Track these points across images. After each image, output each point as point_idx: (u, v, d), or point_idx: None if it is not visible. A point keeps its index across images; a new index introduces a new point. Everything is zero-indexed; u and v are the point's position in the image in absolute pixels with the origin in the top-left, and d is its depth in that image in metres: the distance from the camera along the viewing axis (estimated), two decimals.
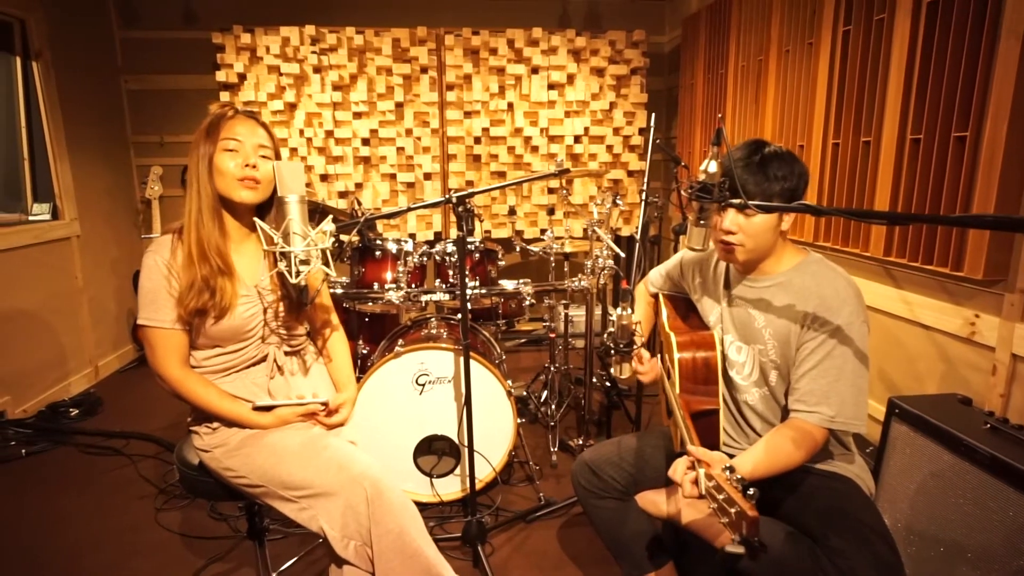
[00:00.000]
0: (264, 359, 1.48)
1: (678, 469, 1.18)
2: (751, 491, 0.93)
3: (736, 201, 1.23)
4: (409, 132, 3.89)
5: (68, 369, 3.30)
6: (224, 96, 3.73)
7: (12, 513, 2.22)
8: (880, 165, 2.09)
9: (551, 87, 3.90)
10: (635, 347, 1.46)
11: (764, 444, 1.28)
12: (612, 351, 1.45)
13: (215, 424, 1.41)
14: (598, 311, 2.75)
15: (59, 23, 3.27)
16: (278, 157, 1.45)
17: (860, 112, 2.19)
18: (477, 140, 3.94)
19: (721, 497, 0.95)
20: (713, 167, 1.19)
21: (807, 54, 2.49)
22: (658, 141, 2.31)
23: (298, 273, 1.30)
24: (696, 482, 1.09)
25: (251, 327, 1.43)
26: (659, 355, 1.72)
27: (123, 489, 2.36)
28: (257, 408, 1.40)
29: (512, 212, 2.94)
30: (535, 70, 3.87)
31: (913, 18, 1.93)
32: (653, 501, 1.53)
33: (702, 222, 1.25)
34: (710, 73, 3.39)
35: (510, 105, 3.90)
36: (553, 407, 2.75)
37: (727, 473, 0.99)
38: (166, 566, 1.91)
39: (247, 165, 1.37)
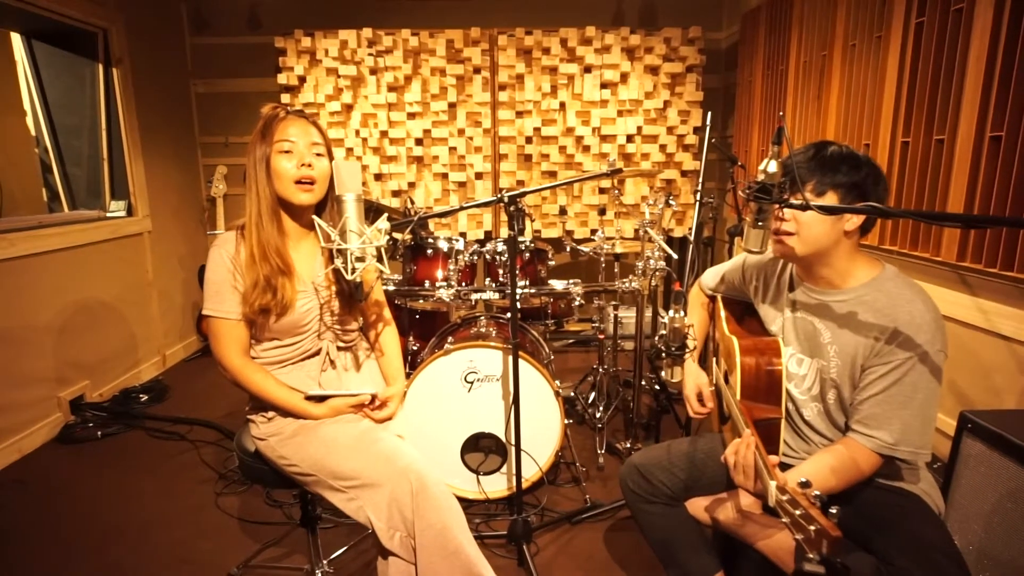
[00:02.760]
0: (318, 353, 1.52)
1: (730, 456, 1.19)
2: (833, 509, 0.89)
3: (796, 202, 1.18)
4: (461, 132, 3.94)
5: (139, 357, 3.50)
6: (285, 98, 3.87)
7: (90, 490, 2.37)
8: (955, 164, 1.98)
9: (604, 86, 3.86)
10: (688, 351, 1.43)
11: (819, 467, 1.24)
12: (663, 354, 1.42)
13: (271, 413, 1.47)
14: (648, 313, 2.71)
15: (137, 32, 3.47)
16: (331, 154, 1.48)
17: (933, 108, 2.08)
18: (528, 140, 3.94)
19: (797, 512, 0.91)
20: (773, 167, 1.14)
21: (875, 48, 2.38)
22: (714, 140, 2.25)
23: (354, 270, 1.33)
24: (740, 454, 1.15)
25: (307, 321, 1.47)
26: (713, 359, 1.68)
27: (187, 473, 2.48)
28: (309, 398, 1.45)
29: (563, 212, 2.93)
30: (588, 69, 3.85)
31: (996, 7, 1.81)
32: (704, 508, 1.49)
33: (760, 224, 1.21)
34: (769, 70, 3.28)
35: (562, 104, 3.89)
36: (601, 409, 2.72)
37: (803, 488, 0.95)
38: (225, 548, 1.99)
39: (303, 165, 1.41)
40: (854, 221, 1.26)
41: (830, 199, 1.25)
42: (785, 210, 1.27)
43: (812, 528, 0.87)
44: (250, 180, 1.44)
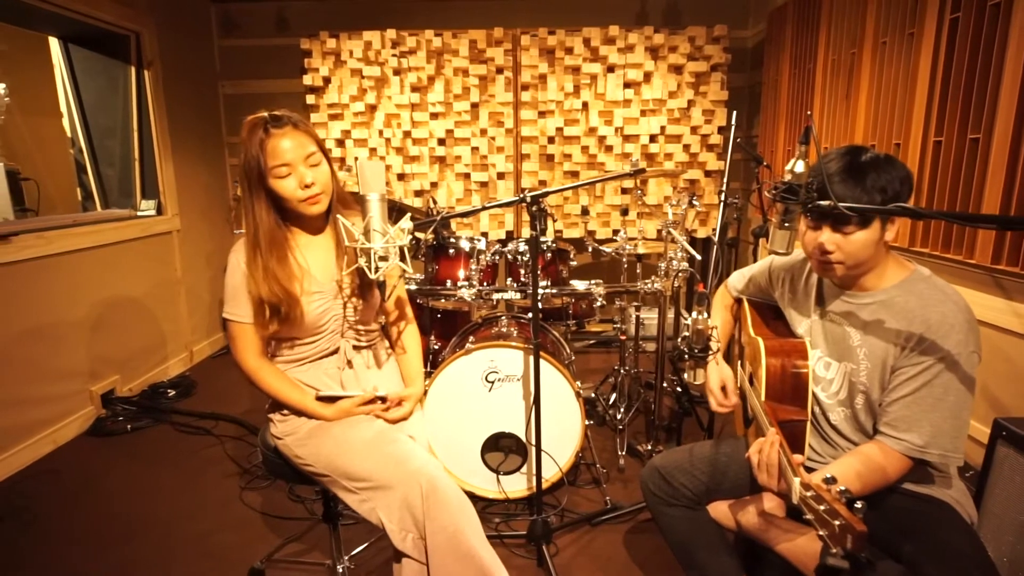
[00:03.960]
0: (337, 351, 1.53)
1: (754, 454, 1.18)
2: (859, 504, 0.88)
3: (824, 203, 1.15)
4: (484, 132, 3.95)
5: (167, 353, 3.58)
6: (310, 99, 3.92)
7: (120, 482, 2.43)
8: (990, 164, 1.92)
9: (627, 85, 3.84)
10: (711, 352, 1.41)
11: (844, 471, 1.22)
12: (687, 356, 1.41)
13: (287, 412, 1.48)
14: (671, 314, 2.68)
15: (167, 35, 3.54)
16: (325, 152, 1.45)
17: (968, 107, 2.02)
18: (551, 140, 3.94)
19: (822, 508, 0.90)
20: (800, 167, 1.12)
21: (907, 45, 2.32)
22: (739, 140, 2.22)
23: (377, 269, 1.34)
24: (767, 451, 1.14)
25: (324, 322, 1.48)
26: (737, 361, 1.66)
27: (212, 467, 2.53)
28: (320, 399, 1.46)
29: (585, 212, 2.92)
30: (611, 68, 3.83)
31: None
32: (727, 512, 1.47)
33: (786, 224, 1.18)
34: (796, 68, 3.23)
35: (585, 104, 3.87)
36: (622, 410, 2.70)
37: (828, 484, 0.93)
38: (249, 542, 2.02)
39: (304, 185, 1.37)
40: (893, 230, 1.23)
41: (875, 223, 1.20)
42: (828, 240, 1.23)
43: (837, 523, 0.86)
44: (246, 202, 1.40)
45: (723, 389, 1.52)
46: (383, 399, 1.49)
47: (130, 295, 3.26)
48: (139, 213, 3.47)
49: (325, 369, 1.52)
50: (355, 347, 1.56)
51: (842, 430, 1.35)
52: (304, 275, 1.45)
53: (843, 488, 0.91)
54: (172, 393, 3.24)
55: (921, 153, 2.24)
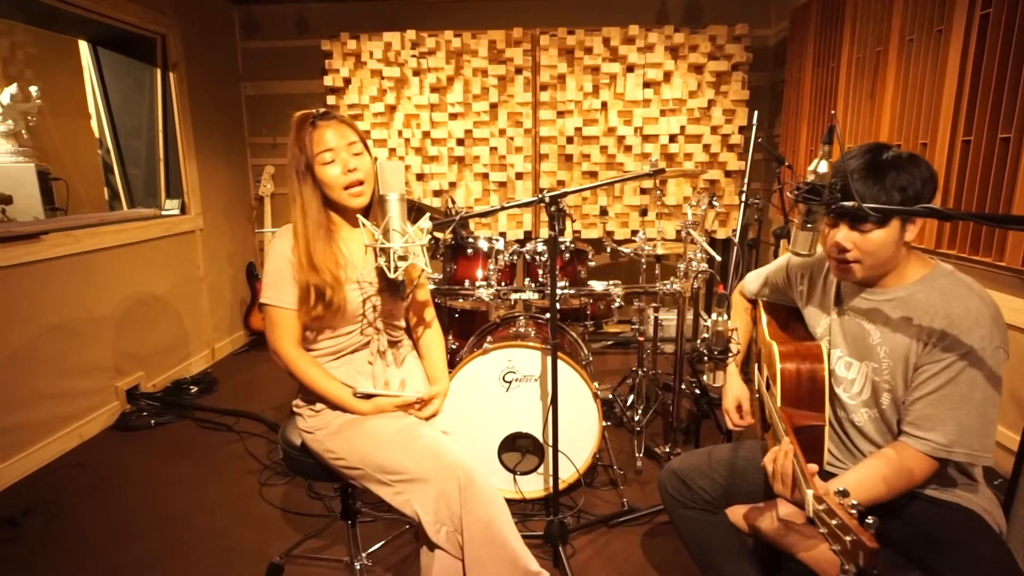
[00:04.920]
0: (367, 346, 1.56)
1: (769, 463, 1.16)
2: (870, 519, 0.86)
3: (848, 204, 1.13)
4: (502, 132, 3.95)
5: (189, 350, 3.64)
6: (330, 99, 3.96)
7: (144, 476, 2.48)
8: (1021, 164, 1.88)
9: (647, 85, 3.81)
10: (731, 354, 1.39)
11: (865, 474, 1.19)
12: (706, 358, 1.40)
13: (319, 407, 1.50)
14: (690, 316, 2.66)
15: (192, 37, 3.60)
16: (367, 148, 1.50)
17: (999, 105, 1.98)
18: (569, 140, 3.93)
19: (834, 523, 0.88)
20: (823, 167, 1.10)
21: (935, 43, 2.27)
22: (760, 140, 2.19)
23: (396, 268, 1.35)
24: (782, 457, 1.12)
25: (360, 313, 1.51)
26: (755, 365, 1.64)
27: (233, 463, 2.56)
28: (358, 395, 1.48)
29: (604, 212, 2.90)
30: (630, 68, 3.80)
31: None
32: (745, 516, 1.46)
33: (808, 225, 1.16)
34: (820, 67, 3.18)
35: (604, 104, 3.86)
36: (639, 412, 2.69)
37: (840, 497, 0.92)
38: (268, 537, 2.05)
39: (348, 170, 1.43)
40: (913, 231, 1.21)
41: (894, 222, 1.18)
42: (845, 238, 1.21)
43: (848, 539, 0.85)
44: (294, 192, 1.46)
45: (738, 408, 1.52)
46: (420, 400, 1.51)
47: (154, 293, 3.32)
48: (163, 212, 3.54)
49: (356, 365, 1.55)
50: (386, 342, 1.58)
51: (867, 432, 1.32)
52: (347, 263, 1.49)
53: (855, 502, 0.89)
54: (194, 390, 3.29)
55: (949, 153, 2.19)
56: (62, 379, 2.70)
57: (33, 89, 3.09)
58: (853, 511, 0.88)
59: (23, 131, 3.03)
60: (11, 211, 2.78)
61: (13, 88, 2.99)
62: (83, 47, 3.37)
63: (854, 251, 1.21)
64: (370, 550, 1.93)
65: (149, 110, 3.47)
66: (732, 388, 1.53)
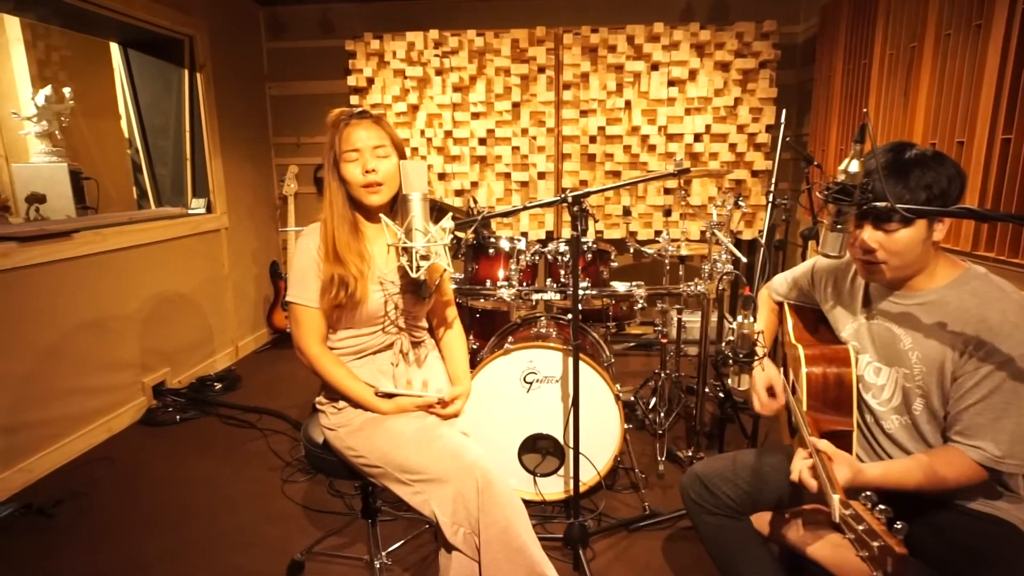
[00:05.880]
0: (390, 347, 1.56)
1: (796, 466, 1.13)
2: (898, 525, 0.83)
3: (880, 204, 1.10)
4: (525, 132, 3.93)
5: (214, 347, 3.69)
6: (354, 99, 3.98)
7: (169, 471, 2.52)
8: None
9: (671, 84, 3.77)
10: (757, 358, 1.36)
11: (905, 459, 1.17)
12: (731, 361, 1.37)
13: (341, 404, 1.51)
14: (714, 318, 2.62)
15: (218, 38, 3.66)
16: (399, 151, 1.51)
17: None
18: (592, 139, 3.90)
19: (860, 528, 0.86)
20: (855, 167, 1.07)
21: (973, 37, 2.20)
22: (788, 139, 2.14)
23: (418, 268, 1.35)
24: (814, 469, 1.08)
25: (382, 314, 1.52)
26: (782, 368, 1.60)
27: (256, 459, 2.59)
28: (380, 394, 1.48)
29: (627, 212, 2.88)
30: (655, 66, 3.76)
31: None
32: (770, 523, 1.42)
33: (838, 226, 1.13)
34: (850, 64, 3.10)
35: (627, 103, 3.82)
36: (662, 415, 2.65)
37: (867, 503, 0.89)
38: (289, 534, 2.06)
39: (367, 171, 1.45)
40: (942, 230, 1.17)
41: (921, 221, 1.15)
42: (870, 238, 1.18)
43: (876, 544, 0.82)
44: (326, 186, 1.50)
45: (769, 390, 1.46)
46: (441, 400, 1.51)
47: (180, 290, 3.38)
48: (190, 211, 3.60)
49: (379, 365, 1.55)
50: (409, 343, 1.59)
51: (898, 439, 1.28)
52: (370, 260, 1.50)
53: (883, 507, 0.87)
54: (218, 386, 3.33)
55: (987, 152, 2.12)
56: (92, 374, 2.76)
57: (67, 90, 3.16)
58: (881, 516, 0.86)
59: (56, 132, 3.10)
60: (44, 210, 2.85)
61: (48, 90, 3.06)
62: (114, 49, 3.44)
63: (880, 251, 1.18)
64: (390, 549, 1.93)
65: (176, 110, 3.53)
66: (762, 371, 1.46)
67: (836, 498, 0.94)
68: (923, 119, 2.48)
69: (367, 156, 1.45)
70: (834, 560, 1.27)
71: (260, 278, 4.18)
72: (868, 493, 0.90)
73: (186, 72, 3.49)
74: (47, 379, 2.52)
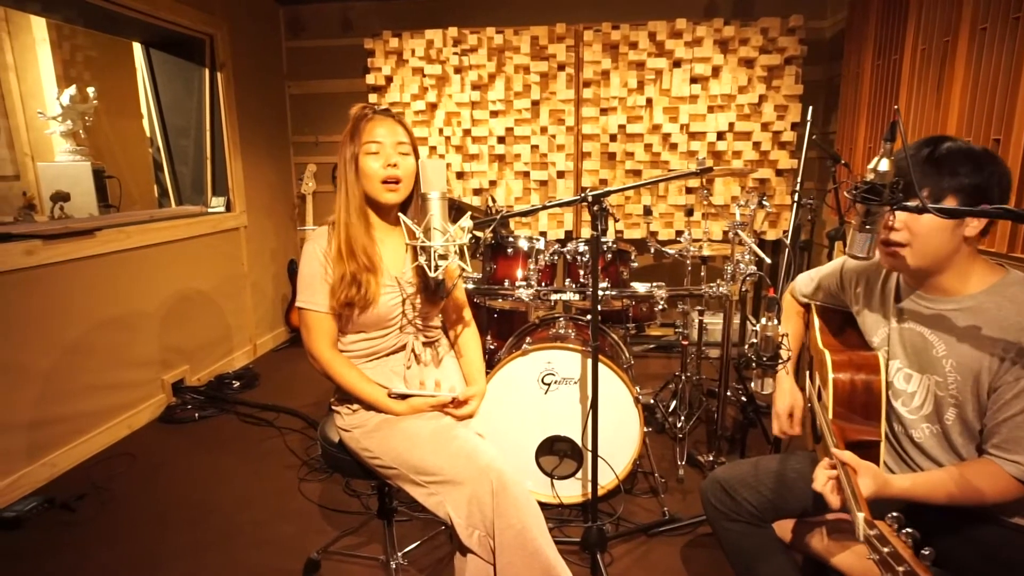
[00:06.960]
0: (403, 348, 1.54)
1: (819, 477, 1.10)
2: (926, 551, 0.79)
3: (911, 204, 1.05)
4: (544, 130, 3.90)
5: (232, 345, 3.72)
6: (372, 97, 3.98)
7: (188, 467, 2.54)
8: None
9: (694, 80, 3.70)
10: (781, 361, 1.32)
11: (935, 471, 1.12)
12: (754, 364, 1.33)
13: (355, 405, 1.50)
14: (737, 320, 2.56)
15: (239, 37, 3.68)
16: (416, 153, 1.51)
17: None
18: (613, 138, 3.85)
19: (886, 550, 0.82)
20: (884, 165, 1.02)
21: (1011, 31, 2.12)
22: (814, 137, 2.09)
23: (436, 267, 1.33)
24: (839, 483, 1.06)
25: (393, 316, 1.50)
26: (807, 373, 1.56)
27: (273, 458, 2.60)
28: (393, 395, 1.46)
29: (647, 212, 2.84)
30: (677, 63, 3.70)
31: None
32: (794, 531, 1.38)
33: (867, 227, 1.09)
34: (880, 59, 3.02)
35: (649, 101, 3.76)
36: (682, 418, 2.60)
37: (894, 523, 0.85)
38: (305, 532, 2.06)
39: (389, 165, 1.44)
40: (975, 225, 1.12)
41: (949, 204, 1.10)
42: (896, 218, 1.14)
43: (901, 569, 0.78)
44: (340, 179, 1.49)
45: (790, 416, 1.45)
46: (455, 400, 1.49)
47: (199, 288, 3.41)
48: (209, 210, 3.62)
49: (392, 366, 1.54)
50: (422, 344, 1.57)
51: (927, 448, 1.23)
52: (380, 262, 1.49)
53: (909, 530, 0.83)
54: (237, 384, 3.36)
55: None
56: (114, 371, 2.79)
57: (90, 90, 3.21)
58: (907, 540, 0.82)
59: (80, 131, 3.14)
60: (68, 208, 2.89)
61: (72, 89, 3.11)
62: (136, 49, 3.48)
63: (904, 231, 1.14)
64: (406, 549, 1.92)
65: (197, 110, 3.56)
66: (786, 393, 1.46)
67: (861, 516, 0.90)
68: (957, 116, 2.40)
69: (389, 151, 1.45)
70: (861, 571, 1.23)
71: (278, 276, 4.21)
72: (895, 514, 0.86)
73: (207, 71, 3.52)
74: (71, 375, 2.55)
